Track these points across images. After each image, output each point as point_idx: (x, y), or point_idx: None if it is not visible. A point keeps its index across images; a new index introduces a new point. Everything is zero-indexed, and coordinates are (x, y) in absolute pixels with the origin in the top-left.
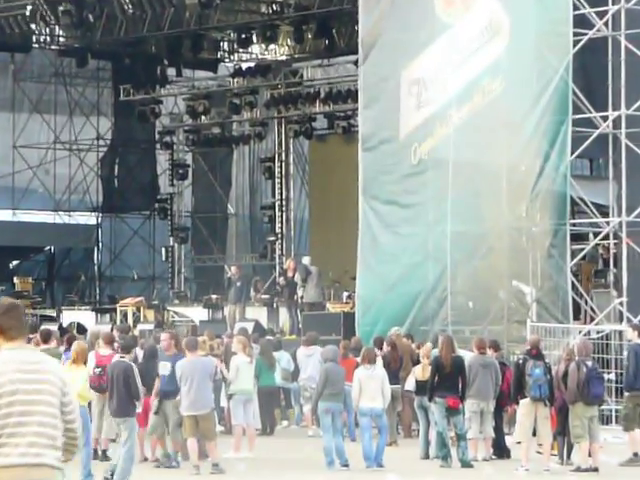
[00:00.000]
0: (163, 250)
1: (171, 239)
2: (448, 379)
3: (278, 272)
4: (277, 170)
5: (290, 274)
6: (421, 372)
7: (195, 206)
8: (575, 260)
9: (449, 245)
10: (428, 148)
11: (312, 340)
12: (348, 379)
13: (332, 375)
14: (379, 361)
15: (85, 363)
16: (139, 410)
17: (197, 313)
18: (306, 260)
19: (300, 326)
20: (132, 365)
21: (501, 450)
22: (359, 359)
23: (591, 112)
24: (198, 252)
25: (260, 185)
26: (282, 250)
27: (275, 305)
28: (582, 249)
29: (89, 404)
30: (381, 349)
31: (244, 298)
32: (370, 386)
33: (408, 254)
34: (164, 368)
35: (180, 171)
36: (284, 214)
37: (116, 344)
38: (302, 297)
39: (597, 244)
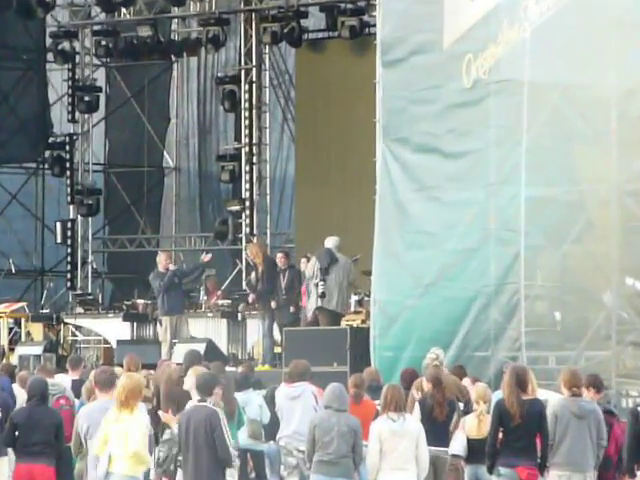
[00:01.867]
0: (58, 226)
1: (71, 209)
2: (519, 437)
3: (245, 263)
4: (244, 98)
5: (260, 267)
6: (475, 425)
7: (110, 156)
8: None
9: (523, 220)
10: (489, 63)
11: (300, 373)
12: (365, 435)
13: (329, 429)
14: (415, 409)
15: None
16: None
17: (113, 329)
18: (331, 242)
19: (280, 350)
20: (217, 411)
21: None
22: (379, 404)
23: None
24: (115, 230)
25: (216, 122)
26: (251, 227)
27: (240, 316)
28: None
29: None
30: (409, 388)
31: (185, 304)
32: (397, 448)
33: (456, 234)
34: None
35: (86, 98)
36: (255, 169)
37: None
38: (320, 302)
39: None
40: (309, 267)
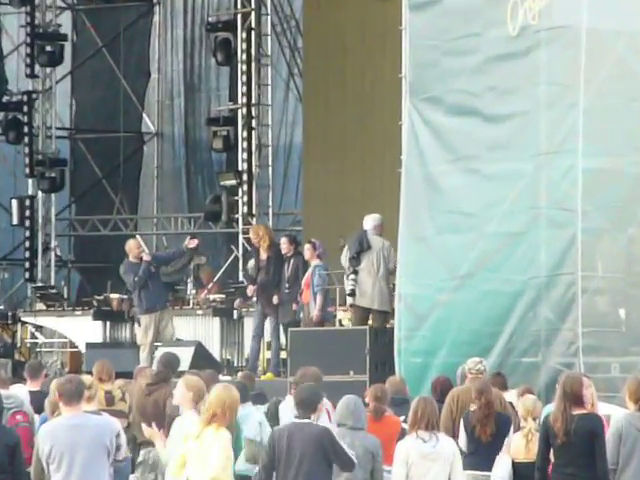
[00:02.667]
0: (14, 205)
1: (29, 183)
2: (569, 461)
3: (243, 249)
4: (240, 48)
5: (265, 253)
6: (523, 446)
7: (77, 119)
8: None
9: (580, 197)
10: (540, 6)
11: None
12: (387, 459)
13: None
14: (461, 426)
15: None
16: None
17: (82, 329)
18: (369, 223)
19: (285, 356)
20: (329, 429)
21: None
22: (406, 421)
23: None
24: (84, 209)
25: (207, 77)
26: (249, 205)
27: (236, 314)
28: None
29: None
30: (441, 400)
31: (167, 299)
32: (427, 475)
33: (498, 214)
34: None
35: (48, 48)
36: (254, 135)
37: None
38: (351, 297)
39: None
40: (342, 257)
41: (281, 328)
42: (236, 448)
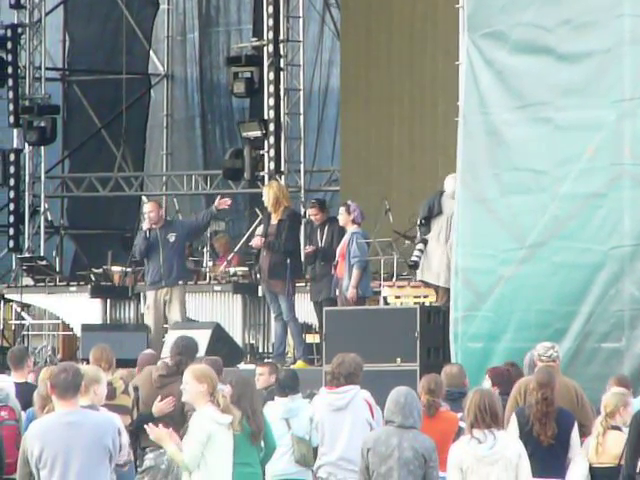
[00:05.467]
0: None
1: (14, 134)
2: None
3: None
4: None
5: (276, 217)
6: (600, 447)
7: (72, 58)
8: None
9: None
10: None
11: (348, 373)
12: (441, 463)
13: (387, 455)
14: (511, 422)
15: None
16: None
17: (77, 308)
18: (451, 184)
19: (319, 340)
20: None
21: None
22: (463, 417)
23: None
24: (79, 166)
25: (226, 8)
26: (277, 161)
27: (262, 289)
28: None
29: None
30: (506, 393)
31: (181, 274)
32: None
33: (574, 172)
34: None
35: None
36: (282, 77)
37: None
38: (413, 269)
39: None
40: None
41: (312, 307)
42: (267, 453)
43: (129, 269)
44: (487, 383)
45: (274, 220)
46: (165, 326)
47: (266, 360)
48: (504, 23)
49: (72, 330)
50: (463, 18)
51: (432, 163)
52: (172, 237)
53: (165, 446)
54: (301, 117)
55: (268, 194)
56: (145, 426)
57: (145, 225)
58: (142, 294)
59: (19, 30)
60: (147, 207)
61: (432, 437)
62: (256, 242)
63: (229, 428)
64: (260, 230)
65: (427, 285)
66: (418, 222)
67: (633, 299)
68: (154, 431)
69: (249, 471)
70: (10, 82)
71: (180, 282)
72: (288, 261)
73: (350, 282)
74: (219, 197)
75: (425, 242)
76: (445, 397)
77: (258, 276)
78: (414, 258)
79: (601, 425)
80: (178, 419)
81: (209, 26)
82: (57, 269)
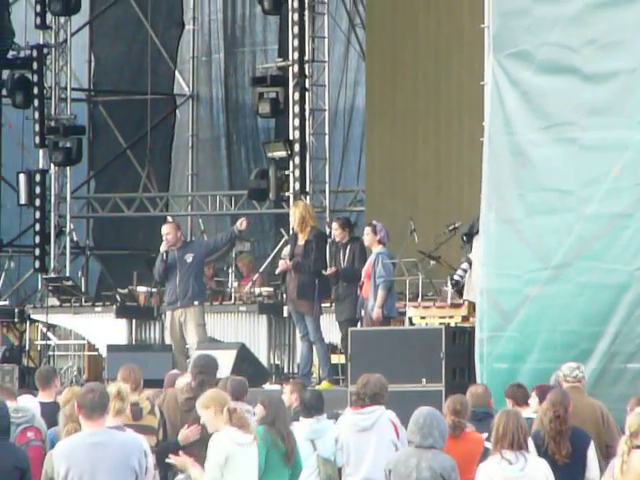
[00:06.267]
0: (22, 180)
1: (40, 155)
2: None
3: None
4: None
5: (303, 238)
6: (625, 465)
7: (97, 78)
8: None
9: None
10: None
11: (373, 394)
12: None
13: (405, 475)
14: (531, 444)
15: None
16: None
17: (103, 328)
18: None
19: (344, 360)
20: None
21: None
22: (490, 439)
23: None
24: (105, 186)
25: (252, 28)
26: (302, 181)
27: (287, 310)
28: None
29: None
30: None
31: (197, 295)
32: None
33: (600, 192)
34: None
35: None
36: (307, 98)
37: None
38: (454, 288)
39: None
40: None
41: (337, 327)
42: (294, 473)
43: (154, 289)
44: (534, 400)
45: (301, 240)
46: (187, 346)
47: (293, 379)
48: (529, 43)
49: (98, 350)
50: (488, 38)
51: (457, 183)
52: (189, 258)
53: (189, 471)
54: (326, 137)
55: (294, 214)
56: (168, 459)
57: (162, 247)
58: (164, 314)
59: (45, 51)
60: (164, 229)
61: (457, 458)
62: (282, 267)
63: (252, 445)
64: (286, 251)
65: (456, 306)
66: (461, 238)
67: None
68: (177, 460)
69: None
70: (36, 103)
71: (196, 303)
72: (316, 281)
73: (375, 302)
74: (242, 219)
75: (470, 262)
76: (470, 418)
77: (285, 296)
78: (456, 277)
79: (625, 444)
80: (205, 444)
81: (234, 46)
82: (83, 289)
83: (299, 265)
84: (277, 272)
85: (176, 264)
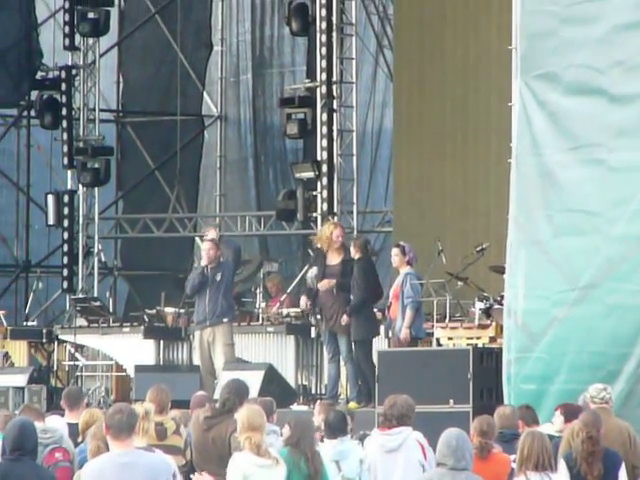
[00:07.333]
0: (50, 201)
1: (69, 176)
2: None
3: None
4: (319, 15)
5: (338, 257)
6: None
7: (126, 99)
8: None
9: None
10: None
11: (400, 415)
12: None
13: None
14: (560, 466)
15: None
16: None
17: (131, 349)
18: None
19: (372, 383)
20: None
21: None
22: (516, 459)
23: None
24: (133, 207)
25: (280, 50)
26: (330, 202)
27: (315, 331)
28: None
29: None
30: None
31: (226, 311)
32: None
33: (628, 213)
34: None
35: (91, 15)
36: (335, 119)
37: None
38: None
39: None
40: None
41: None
42: None
43: (182, 310)
44: (559, 419)
45: (334, 259)
46: (215, 367)
47: (321, 400)
48: (557, 65)
49: (125, 371)
50: (516, 59)
51: (485, 204)
52: (219, 276)
53: None
54: (354, 158)
55: (332, 232)
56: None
57: (203, 262)
58: (192, 335)
59: (73, 72)
60: (206, 245)
61: (485, 479)
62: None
63: (273, 468)
64: (313, 272)
65: (483, 327)
66: None
67: None
68: (199, 479)
69: None
70: (64, 124)
71: (225, 320)
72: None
73: (403, 323)
74: None
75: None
76: (498, 439)
77: (319, 317)
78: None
79: None
80: (225, 463)
81: (262, 67)
82: (110, 310)
83: (341, 285)
84: (321, 289)
85: (207, 282)
